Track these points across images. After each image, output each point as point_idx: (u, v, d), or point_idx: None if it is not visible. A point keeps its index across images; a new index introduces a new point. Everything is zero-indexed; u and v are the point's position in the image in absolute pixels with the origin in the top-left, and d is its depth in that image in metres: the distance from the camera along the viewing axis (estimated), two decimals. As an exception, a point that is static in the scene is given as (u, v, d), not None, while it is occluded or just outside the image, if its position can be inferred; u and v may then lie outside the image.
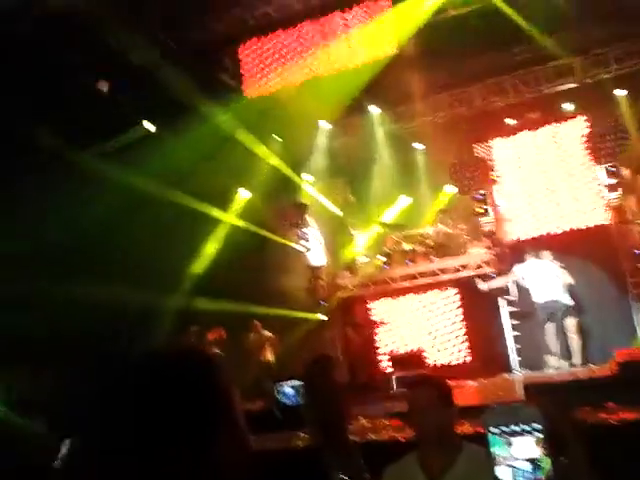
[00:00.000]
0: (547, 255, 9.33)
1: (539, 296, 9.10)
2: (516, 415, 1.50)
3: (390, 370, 9.40)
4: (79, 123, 8.12)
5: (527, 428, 1.47)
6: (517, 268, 9.54)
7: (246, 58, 11.56)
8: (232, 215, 11.07)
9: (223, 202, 10.99)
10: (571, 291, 9.04)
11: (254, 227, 10.69)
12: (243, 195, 11.40)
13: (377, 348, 10.63)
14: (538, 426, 1.47)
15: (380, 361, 10.43)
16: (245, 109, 11.02)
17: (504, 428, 1.49)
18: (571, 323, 8.89)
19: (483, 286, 9.70)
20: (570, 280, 9.01)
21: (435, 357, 10.39)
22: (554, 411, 1.68)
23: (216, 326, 9.40)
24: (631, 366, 6.71)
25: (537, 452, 1.45)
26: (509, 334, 9.79)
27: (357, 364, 10.10)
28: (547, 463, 1.44)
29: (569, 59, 10.96)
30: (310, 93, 10.85)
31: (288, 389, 7.26)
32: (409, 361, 8.92)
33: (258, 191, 11.25)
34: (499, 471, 1.45)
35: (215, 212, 10.68)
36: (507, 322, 9.91)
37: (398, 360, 9.12)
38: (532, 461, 1.45)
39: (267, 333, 9.72)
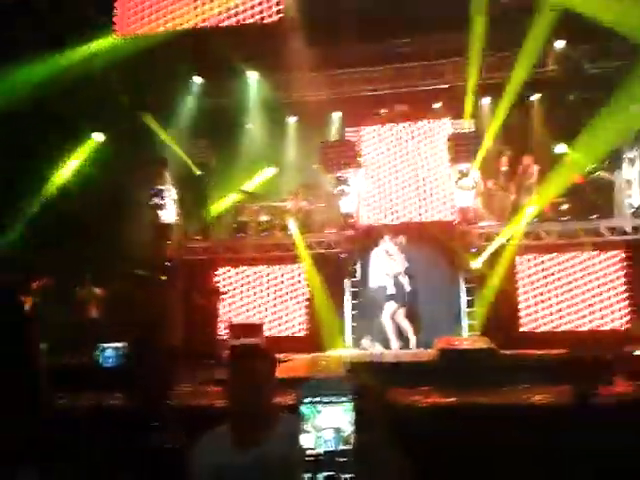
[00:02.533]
0: (398, 242, 9.68)
1: (373, 280, 9.48)
2: (330, 388, 1.45)
3: (227, 338, 9.29)
4: None
5: (336, 399, 1.43)
6: (368, 252, 9.84)
7: (121, -5, 10.88)
8: (80, 158, 10.30)
9: (75, 141, 10.20)
10: (410, 279, 9.45)
11: (103, 174, 10.02)
12: (97, 138, 10.64)
13: (219, 315, 10.50)
14: (347, 399, 1.42)
15: (220, 328, 10.31)
16: (113, 49, 10.32)
17: (316, 398, 1.43)
18: (403, 309, 9.32)
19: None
20: (400, 269, 9.48)
21: (275, 329, 10.47)
22: (366, 388, 1.62)
23: (44, 274, 8.72)
24: (449, 353, 7.10)
25: (341, 422, 1.42)
26: (348, 313, 10.07)
27: (197, 329, 9.87)
28: (349, 434, 1.41)
29: (444, 61, 11.42)
30: (186, 45, 10.38)
31: (109, 351, 6.89)
32: (246, 330, 8.86)
33: (114, 138, 10.55)
34: (304, 439, 1.43)
35: (62, 153, 9.87)
36: (348, 301, 10.19)
37: (236, 329, 9.04)
38: (336, 430, 1.41)
39: (97, 289, 9.21)
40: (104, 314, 9.37)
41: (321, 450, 1.50)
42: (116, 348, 6.84)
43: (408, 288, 9.39)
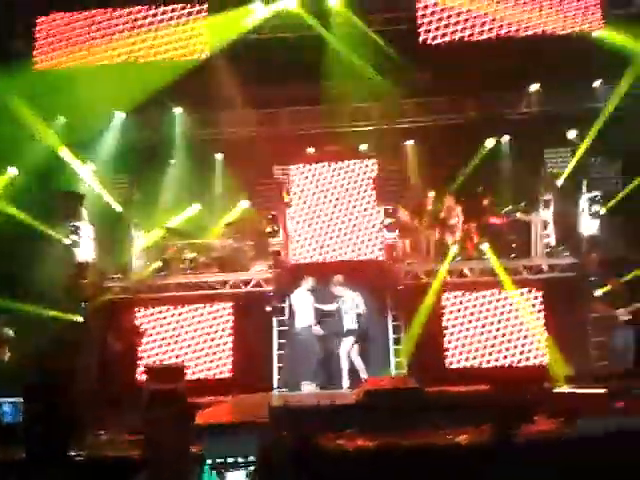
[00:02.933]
0: (336, 281, 9.68)
1: (300, 321, 9.47)
2: (236, 445, 1.30)
3: (145, 382, 8.82)
4: None
5: (241, 460, 1.28)
6: (293, 291, 9.74)
7: (44, 28, 10.64)
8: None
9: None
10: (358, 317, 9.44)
11: (18, 210, 9.48)
12: (10, 172, 10.11)
13: (138, 358, 10.01)
14: (252, 458, 1.28)
15: (138, 372, 9.81)
16: (32, 81, 10.00)
17: (219, 460, 1.28)
18: (357, 345, 9.40)
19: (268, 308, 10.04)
20: (329, 308, 9.60)
21: (198, 371, 10.09)
22: (271, 439, 1.48)
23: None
24: (374, 394, 7.01)
25: None
26: (274, 353, 9.87)
27: (114, 373, 9.32)
28: None
29: (370, 103, 11.73)
30: (109, 79, 10.17)
31: (7, 406, 6.48)
32: (165, 374, 8.42)
33: (30, 172, 10.06)
34: None
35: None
36: (275, 341, 10.00)
37: (154, 372, 8.56)
38: None
39: (7, 331, 8.60)
40: (15, 358, 8.72)
41: None
42: (14, 403, 6.52)
43: (320, 331, 9.48)
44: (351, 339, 9.34)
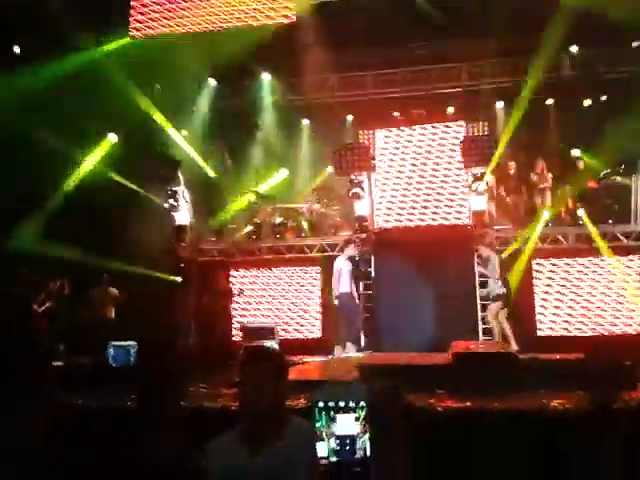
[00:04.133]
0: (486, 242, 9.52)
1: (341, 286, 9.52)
2: (345, 392, 1.41)
3: (240, 340, 9.28)
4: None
5: (352, 405, 1.39)
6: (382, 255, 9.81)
7: (137, -2, 10.96)
8: (95, 158, 10.34)
9: (88, 142, 10.24)
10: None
11: (119, 175, 10.05)
12: (111, 139, 10.68)
13: (232, 317, 10.48)
14: (362, 404, 1.39)
15: (233, 330, 10.29)
16: (128, 50, 10.41)
17: (330, 404, 1.40)
18: (490, 312, 9.23)
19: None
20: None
21: (289, 331, 10.44)
22: (382, 392, 1.57)
23: (59, 275, 8.75)
24: (465, 357, 7.02)
25: (356, 429, 1.38)
26: (361, 315, 10.03)
27: (210, 331, 9.85)
28: (364, 441, 1.38)
29: (459, 64, 11.40)
30: (200, 47, 10.42)
31: (118, 349, 6.91)
32: (259, 333, 8.84)
33: (129, 138, 10.58)
34: (319, 446, 1.38)
35: (78, 152, 9.91)
36: (361, 304, 10.14)
37: (249, 331, 9.02)
38: (350, 438, 1.38)
39: (113, 290, 9.23)
40: (120, 315, 9.38)
41: (334, 459, 1.45)
42: (125, 347, 6.84)
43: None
44: (499, 304, 9.09)
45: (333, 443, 1.36)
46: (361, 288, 10.27)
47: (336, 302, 9.52)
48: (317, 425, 1.36)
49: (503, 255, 9.64)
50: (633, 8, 8.97)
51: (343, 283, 9.46)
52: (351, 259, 9.71)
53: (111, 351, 6.89)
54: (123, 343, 6.79)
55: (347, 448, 1.36)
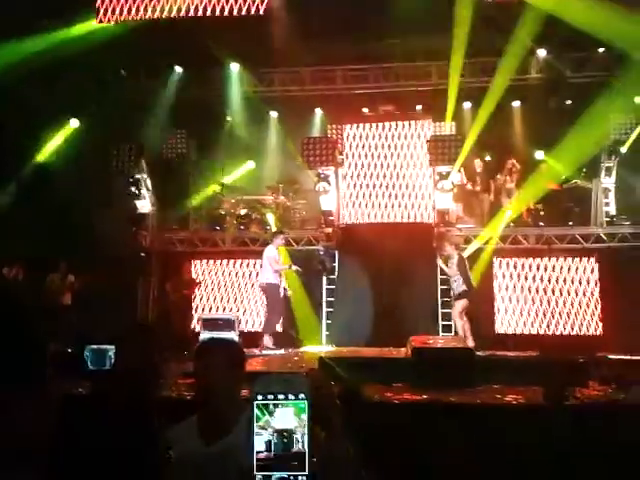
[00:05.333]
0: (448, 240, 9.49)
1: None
2: (285, 385, 1.35)
3: (199, 331, 9.16)
4: None
5: (291, 398, 1.32)
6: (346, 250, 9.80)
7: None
8: (57, 143, 10.07)
9: (50, 127, 9.97)
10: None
11: (81, 160, 9.80)
12: (73, 124, 10.42)
13: (192, 308, 10.36)
14: (302, 396, 1.33)
15: (192, 320, 10.17)
16: (94, 35, 10.17)
17: (269, 397, 1.33)
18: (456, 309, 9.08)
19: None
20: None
21: (250, 324, 10.37)
22: (323, 383, 1.50)
23: (15, 261, 8.50)
24: (423, 352, 7.06)
25: (294, 423, 1.32)
26: (324, 310, 10.03)
27: (168, 321, 9.71)
28: (302, 435, 1.32)
29: (429, 63, 11.45)
30: (167, 34, 10.23)
31: (98, 352, 6.73)
32: (219, 324, 8.75)
33: (93, 123, 10.33)
34: (256, 441, 1.32)
35: (39, 136, 9.65)
36: (324, 299, 10.14)
37: (208, 322, 8.92)
38: (288, 432, 1.32)
39: (70, 276, 9.00)
40: (77, 302, 9.16)
41: (272, 454, 1.41)
42: (102, 350, 6.71)
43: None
44: (464, 302, 8.94)
45: (271, 436, 1.31)
46: (324, 282, 10.26)
47: (261, 292, 9.34)
48: (254, 419, 1.31)
49: (464, 254, 9.73)
50: (595, 15, 9.19)
51: (268, 273, 9.13)
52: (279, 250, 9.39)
53: (88, 354, 6.72)
54: (101, 347, 6.65)
55: (285, 441, 1.31)
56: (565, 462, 4.43)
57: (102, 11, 10.52)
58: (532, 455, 4.51)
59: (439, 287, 10.10)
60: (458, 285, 8.97)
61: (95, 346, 6.69)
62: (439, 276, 10.03)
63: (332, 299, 10.20)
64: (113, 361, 6.00)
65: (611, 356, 7.26)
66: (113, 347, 6.23)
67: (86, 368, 6.69)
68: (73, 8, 10.21)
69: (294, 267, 9.48)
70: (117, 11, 10.56)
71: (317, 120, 11.99)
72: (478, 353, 7.55)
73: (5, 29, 8.94)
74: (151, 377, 3.83)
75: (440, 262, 9.18)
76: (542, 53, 11.03)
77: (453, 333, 9.13)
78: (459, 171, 10.74)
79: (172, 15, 10.34)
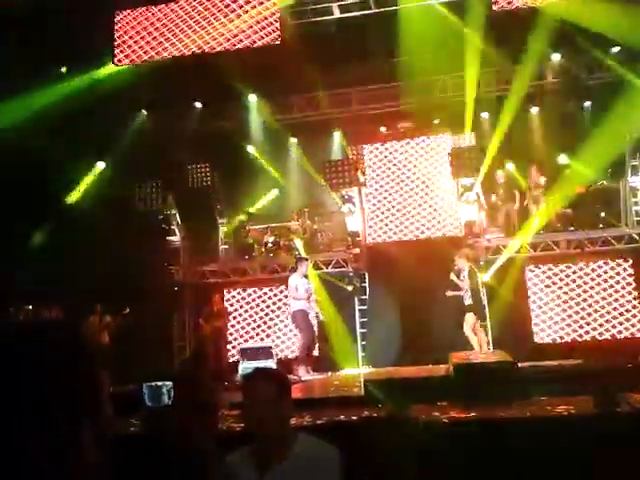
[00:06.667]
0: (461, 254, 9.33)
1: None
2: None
3: (238, 360, 9.21)
4: None
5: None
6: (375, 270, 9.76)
7: (121, 24, 11.02)
8: (88, 185, 10.31)
9: (78, 172, 10.22)
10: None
11: (108, 201, 10.01)
12: (100, 166, 10.68)
13: (227, 337, 10.41)
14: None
15: (229, 351, 10.22)
16: (113, 77, 10.45)
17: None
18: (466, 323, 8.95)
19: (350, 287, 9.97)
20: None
21: (284, 350, 10.37)
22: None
23: (56, 305, 8.67)
24: (464, 368, 6.98)
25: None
26: (358, 331, 9.99)
27: (205, 352, 9.76)
28: None
29: (441, 76, 11.52)
30: (185, 71, 10.48)
31: (153, 389, 6.78)
32: (257, 353, 8.78)
33: (119, 165, 10.58)
34: None
35: (70, 179, 9.90)
36: (357, 320, 10.11)
37: (246, 351, 8.96)
38: None
39: (107, 317, 9.14)
40: (115, 342, 9.27)
41: None
42: (160, 386, 6.73)
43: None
44: (472, 315, 8.82)
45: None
46: (356, 303, 10.24)
47: (290, 320, 9.26)
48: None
49: (483, 263, 9.66)
50: (608, 15, 9.15)
51: (293, 302, 9.05)
52: (305, 276, 9.29)
53: (146, 391, 6.78)
54: (158, 383, 6.70)
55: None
56: (624, 467, 4.34)
57: (118, 53, 10.83)
58: (589, 463, 4.43)
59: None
60: (467, 298, 8.89)
61: (153, 383, 6.73)
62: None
63: (365, 319, 10.17)
64: (171, 397, 6.07)
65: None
66: (170, 383, 6.33)
67: (144, 405, 6.72)
68: (89, 52, 10.53)
69: (314, 297, 9.39)
70: (133, 53, 10.87)
71: (336, 142, 12.07)
72: (520, 364, 7.44)
73: (21, 79, 9.25)
74: (212, 411, 3.87)
75: (452, 275, 9.07)
76: (556, 57, 11.01)
77: (477, 348, 8.93)
78: (482, 183, 10.70)
79: (187, 54, 10.59)
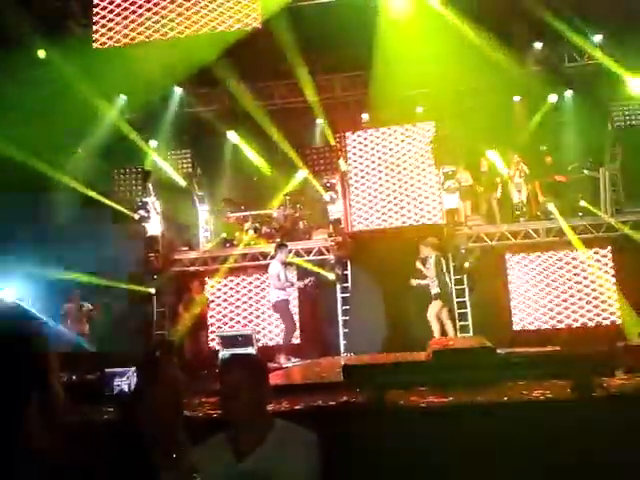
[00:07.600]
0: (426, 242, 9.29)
1: None
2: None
3: (218, 348, 9.15)
4: None
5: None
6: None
7: (99, 6, 10.78)
8: (65, 174, 10.11)
9: (57, 158, 10.01)
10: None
11: (87, 189, 9.84)
12: (80, 153, 10.49)
13: (208, 325, 10.35)
14: None
15: (209, 339, 10.16)
16: (91, 61, 10.23)
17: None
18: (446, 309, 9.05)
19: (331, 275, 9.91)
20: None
21: (265, 337, 10.34)
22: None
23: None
24: (444, 353, 7.03)
25: None
26: (340, 319, 9.99)
27: (185, 340, 9.69)
28: None
29: (425, 65, 11.44)
30: (164, 54, 10.29)
31: (117, 377, 6.68)
32: (238, 341, 8.72)
33: (97, 151, 10.40)
34: None
35: (46, 169, 9.67)
36: (340, 308, 10.11)
37: (226, 339, 8.89)
38: None
39: (87, 305, 9.02)
40: (95, 329, 9.18)
41: None
42: (123, 373, 6.64)
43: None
44: (438, 303, 8.88)
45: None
46: (338, 291, 10.24)
47: (273, 310, 9.17)
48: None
49: (464, 251, 9.70)
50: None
51: (274, 291, 8.86)
52: (284, 264, 9.08)
53: (111, 378, 6.68)
54: (119, 370, 6.61)
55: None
56: (599, 450, 4.38)
57: (98, 36, 10.60)
58: (567, 446, 4.46)
59: (453, 288, 10.05)
60: (434, 287, 8.91)
61: (114, 369, 6.65)
62: (452, 277, 10.00)
63: (347, 307, 10.17)
64: (135, 384, 6.01)
65: (633, 343, 7.18)
66: (133, 369, 6.25)
67: (107, 393, 6.64)
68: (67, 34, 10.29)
69: (298, 283, 9.40)
70: (112, 35, 10.65)
71: (319, 130, 11.98)
72: (498, 351, 7.49)
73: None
74: (177, 398, 3.80)
75: (418, 263, 9.06)
76: (538, 46, 11.01)
77: (438, 335, 8.95)
78: (464, 170, 10.72)
79: (168, 37, 10.41)
